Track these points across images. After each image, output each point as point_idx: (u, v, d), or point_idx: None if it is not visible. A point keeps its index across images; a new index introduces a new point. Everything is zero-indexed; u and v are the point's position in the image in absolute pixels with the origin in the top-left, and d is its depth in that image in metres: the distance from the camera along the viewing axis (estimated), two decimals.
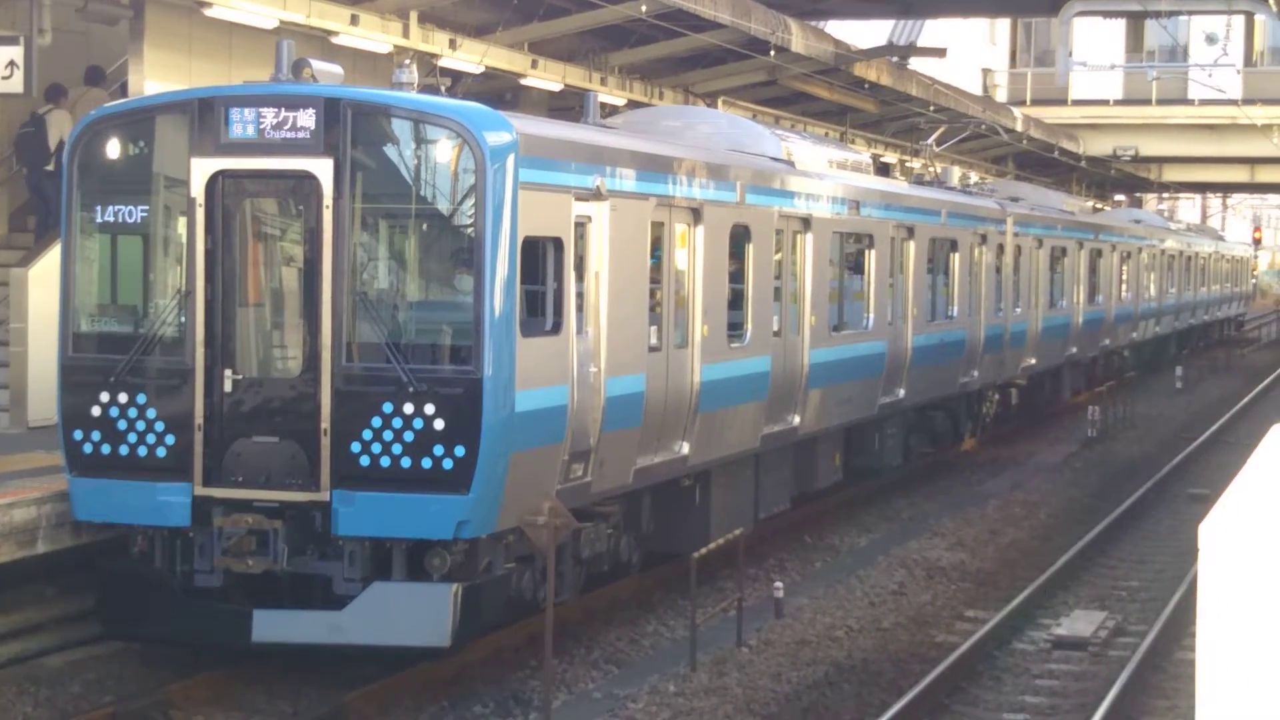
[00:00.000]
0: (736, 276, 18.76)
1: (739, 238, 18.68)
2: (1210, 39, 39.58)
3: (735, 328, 18.73)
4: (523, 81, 26.10)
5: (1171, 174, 63.89)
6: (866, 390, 23.22)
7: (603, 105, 19.49)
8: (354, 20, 21.68)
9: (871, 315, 23.35)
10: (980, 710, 15.09)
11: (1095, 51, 53.22)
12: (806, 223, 20.71)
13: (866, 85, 35.20)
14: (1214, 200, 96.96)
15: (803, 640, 16.86)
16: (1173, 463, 30.15)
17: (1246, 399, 42.50)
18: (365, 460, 13.66)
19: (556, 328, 14.64)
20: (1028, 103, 57.70)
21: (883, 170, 32.95)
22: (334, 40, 21.48)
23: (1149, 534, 24.00)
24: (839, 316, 22.33)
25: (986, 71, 66.31)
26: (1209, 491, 25.72)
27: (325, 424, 13.75)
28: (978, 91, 58.09)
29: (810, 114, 37.22)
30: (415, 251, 14.52)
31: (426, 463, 13.56)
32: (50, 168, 20.20)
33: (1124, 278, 43.37)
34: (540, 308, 14.56)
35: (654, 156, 16.75)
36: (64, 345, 14.52)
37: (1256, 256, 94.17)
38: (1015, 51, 70.20)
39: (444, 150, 13.92)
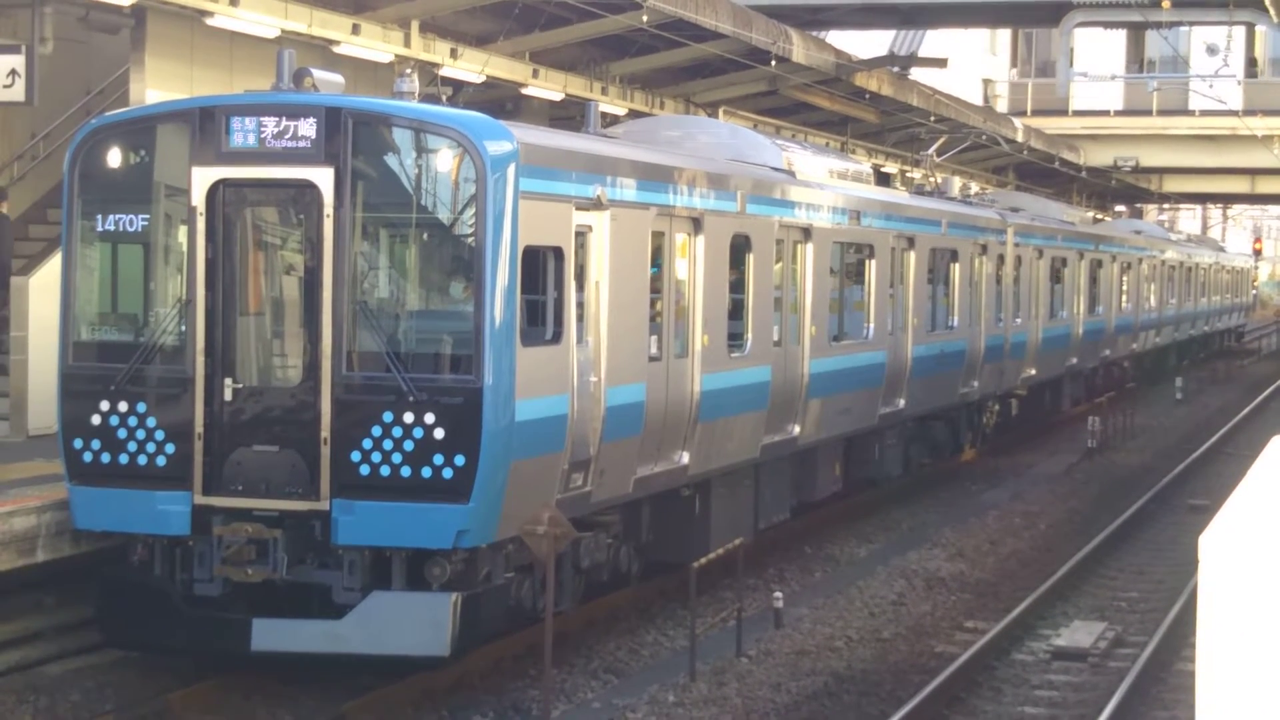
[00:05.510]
0: (737, 286, 18.75)
1: (739, 247, 18.68)
2: (1211, 50, 39.55)
3: (735, 337, 18.73)
4: (524, 91, 26.12)
5: (1172, 185, 63.92)
6: (866, 400, 23.21)
7: (603, 115, 19.50)
8: (355, 30, 21.68)
9: (872, 325, 23.34)
10: None
11: (1096, 62, 53.25)
12: (807, 233, 20.71)
13: (867, 95, 35.22)
14: (1214, 211, 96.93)
15: (802, 650, 16.86)
16: (1173, 473, 30.13)
17: (1247, 410, 42.49)
18: (365, 469, 13.66)
19: (557, 337, 14.63)
20: (1028, 113, 57.74)
21: (883, 180, 32.98)
22: (335, 50, 21.48)
23: (1149, 545, 23.99)
24: (839, 326, 22.33)
25: (987, 82, 66.32)
26: (1209, 502, 25.71)
27: (325, 433, 13.74)
28: (978, 102, 58.12)
29: (811, 124, 37.25)
30: (415, 260, 14.51)
31: (426, 472, 13.55)
32: None
33: (1124, 288, 43.36)
34: (541, 317, 14.55)
35: (655, 166, 16.75)
36: (64, 354, 14.51)
37: (1257, 267, 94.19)
38: (1016, 62, 70.22)
39: (445, 159, 13.91)
